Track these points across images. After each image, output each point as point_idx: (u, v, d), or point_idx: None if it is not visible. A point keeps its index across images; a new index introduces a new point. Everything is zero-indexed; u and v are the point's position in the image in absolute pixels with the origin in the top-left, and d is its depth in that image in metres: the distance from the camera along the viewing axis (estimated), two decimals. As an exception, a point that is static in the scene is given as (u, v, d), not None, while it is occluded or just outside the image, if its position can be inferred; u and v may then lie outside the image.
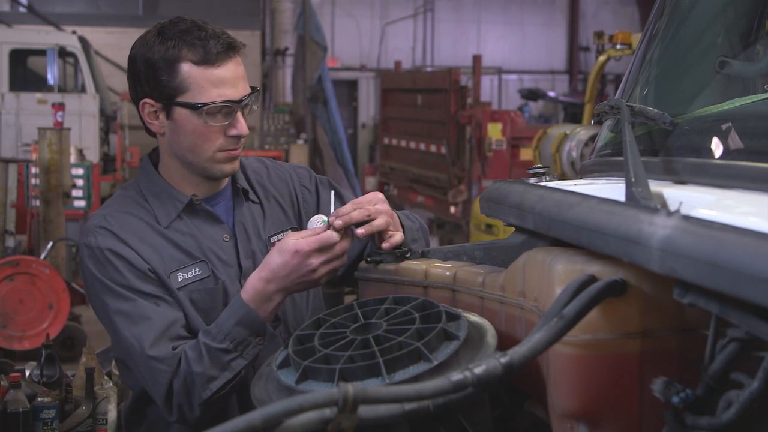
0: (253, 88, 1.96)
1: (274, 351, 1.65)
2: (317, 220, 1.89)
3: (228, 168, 1.98)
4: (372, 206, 1.88)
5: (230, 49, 1.91)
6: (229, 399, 1.91)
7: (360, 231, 1.84)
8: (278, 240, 2.07)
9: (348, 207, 1.86)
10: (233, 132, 1.93)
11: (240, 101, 1.92)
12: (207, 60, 1.88)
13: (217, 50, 1.88)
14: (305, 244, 1.78)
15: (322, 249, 1.78)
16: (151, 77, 1.90)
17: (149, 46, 1.91)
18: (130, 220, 1.96)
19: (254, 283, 1.82)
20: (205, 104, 1.88)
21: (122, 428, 2.85)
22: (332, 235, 1.79)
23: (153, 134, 2.00)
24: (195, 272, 1.96)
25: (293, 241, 1.80)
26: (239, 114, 1.93)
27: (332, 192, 2.06)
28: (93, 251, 1.92)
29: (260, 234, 2.08)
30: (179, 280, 1.94)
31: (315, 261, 1.78)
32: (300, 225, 2.16)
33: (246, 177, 2.12)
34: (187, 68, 1.88)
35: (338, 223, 1.81)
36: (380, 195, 1.95)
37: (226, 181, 2.07)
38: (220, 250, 2.00)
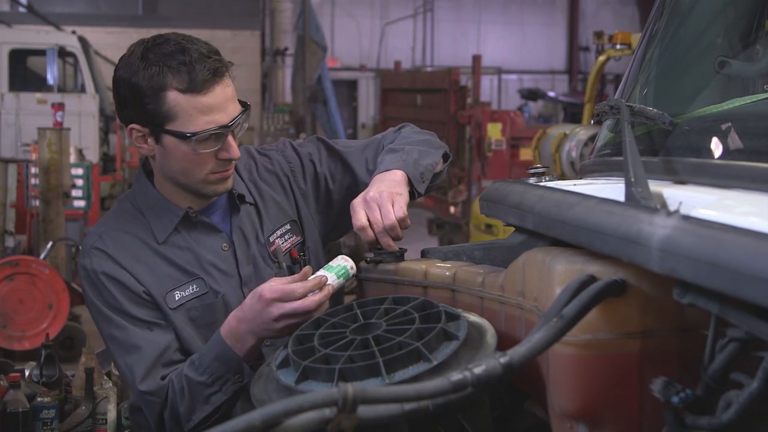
0: (243, 105, 1.91)
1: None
2: (339, 259, 1.84)
3: (221, 188, 1.95)
4: (384, 213, 1.88)
5: (216, 74, 1.84)
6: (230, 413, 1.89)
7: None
8: (277, 237, 2.06)
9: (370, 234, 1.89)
10: (225, 155, 1.88)
11: (230, 125, 1.86)
12: (193, 88, 1.81)
13: (203, 77, 1.81)
14: (269, 291, 1.71)
15: (284, 300, 1.70)
16: (137, 104, 1.84)
17: (134, 71, 1.83)
18: (126, 239, 1.94)
19: (230, 320, 1.80)
20: (194, 133, 1.83)
21: (124, 429, 2.86)
22: (295, 288, 1.71)
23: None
24: (192, 289, 1.94)
25: (266, 285, 1.75)
26: (230, 137, 1.88)
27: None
28: (88, 273, 1.92)
29: (259, 237, 2.04)
30: (176, 299, 1.92)
31: (276, 311, 1.70)
32: (299, 212, 2.12)
33: (239, 177, 2.07)
34: (173, 96, 1.81)
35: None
36: (375, 195, 1.91)
37: None
38: (219, 261, 1.98)
